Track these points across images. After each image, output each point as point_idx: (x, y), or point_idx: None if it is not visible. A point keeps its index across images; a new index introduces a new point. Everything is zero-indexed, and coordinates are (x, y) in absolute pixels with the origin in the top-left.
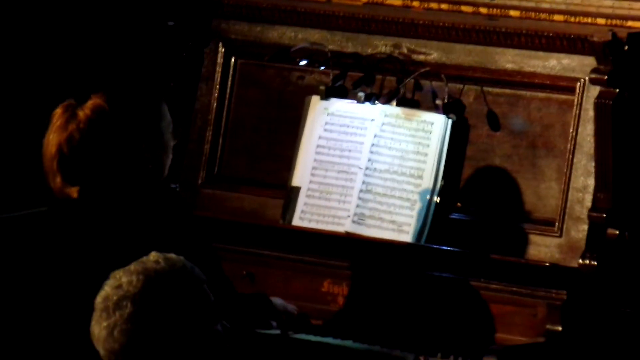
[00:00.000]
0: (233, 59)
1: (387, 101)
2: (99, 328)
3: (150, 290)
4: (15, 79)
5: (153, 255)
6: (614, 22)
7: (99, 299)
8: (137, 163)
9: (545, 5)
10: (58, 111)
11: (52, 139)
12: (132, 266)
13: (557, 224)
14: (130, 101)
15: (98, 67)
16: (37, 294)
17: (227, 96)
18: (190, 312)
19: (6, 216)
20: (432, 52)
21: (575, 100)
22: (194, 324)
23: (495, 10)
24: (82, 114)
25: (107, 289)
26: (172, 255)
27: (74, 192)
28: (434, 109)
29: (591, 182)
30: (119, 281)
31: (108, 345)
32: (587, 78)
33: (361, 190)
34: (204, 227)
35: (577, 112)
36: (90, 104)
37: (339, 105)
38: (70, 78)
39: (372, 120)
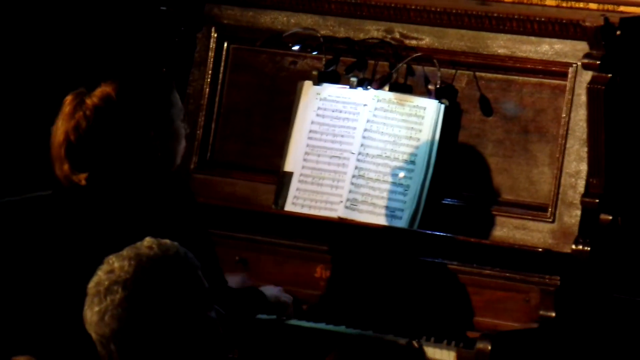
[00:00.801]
0: (225, 44)
1: (379, 86)
2: (90, 312)
3: (141, 276)
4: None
5: (147, 241)
6: (606, 7)
7: (91, 284)
8: (146, 151)
9: None
10: (68, 98)
11: (60, 126)
12: (125, 251)
13: (549, 209)
14: (139, 89)
15: (92, 55)
16: (40, 279)
17: (220, 81)
18: (183, 298)
19: (10, 199)
20: (425, 37)
21: (568, 85)
22: (187, 310)
23: None
24: (89, 102)
25: (100, 273)
26: (166, 241)
27: (82, 179)
28: (427, 94)
29: (584, 167)
30: (112, 266)
31: (99, 330)
32: (579, 63)
33: (354, 176)
34: (203, 215)
35: (570, 97)
36: (98, 92)
37: (331, 90)
38: (68, 67)
39: (364, 105)
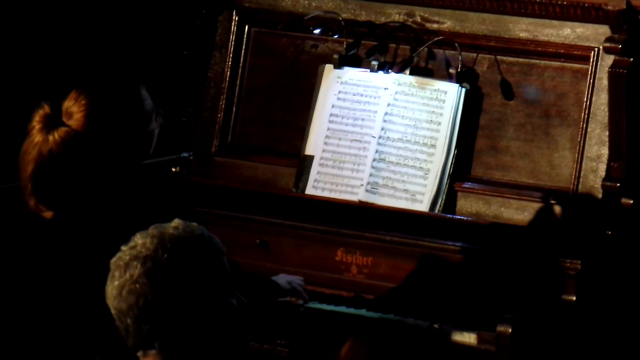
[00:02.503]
0: (247, 27)
1: (400, 70)
2: (111, 286)
3: (161, 253)
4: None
5: (175, 222)
6: None
7: (113, 259)
8: (115, 175)
9: None
10: (35, 126)
11: (26, 162)
12: (151, 229)
13: (571, 193)
14: (111, 114)
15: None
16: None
17: (241, 64)
18: (202, 280)
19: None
20: (446, 21)
21: (590, 69)
22: (205, 293)
23: None
24: (52, 141)
25: (123, 248)
26: (193, 224)
27: (47, 216)
28: (448, 77)
29: (605, 151)
30: (135, 242)
31: (117, 304)
32: (601, 47)
33: (374, 159)
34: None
35: (591, 81)
36: (62, 131)
37: (352, 74)
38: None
39: (385, 89)
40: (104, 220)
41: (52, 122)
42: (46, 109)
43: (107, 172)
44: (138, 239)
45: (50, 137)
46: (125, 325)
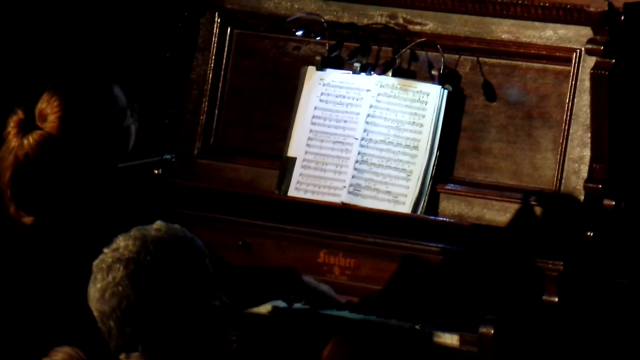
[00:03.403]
0: (229, 29)
1: (382, 72)
2: (93, 289)
3: (144, 255)
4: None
5: (157, 224)
6: None
7: (96, 262)
8: (96, 170)
9: None
10: (10, 132)
11: (4, 168)
12: (133, 231)
13: (553, 194)
14: (84, 114)
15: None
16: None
17: (223, 66)
18: (185, 282)
19: None
20: (428, 23)
21: (572, 70)
22: (188, 295)
23: None
24: (27, 145)
25: (105, 250)
26: (175, 226)
27: (28, 222)
28: (430, 79)
29: (587, 153)
30: (117, 245)
31: (100, 307)
32: (583, 48)
33: (357, 161)
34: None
35: (573, 82)
36: (37, 134)
37: (334, 75)
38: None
39: (367, 90)
40: (85, 223)
41: (27, 126)
42: (20, 114)
43: (85, 173)
44: (120, 241)
45: (25, 141)
46: (108, 327)
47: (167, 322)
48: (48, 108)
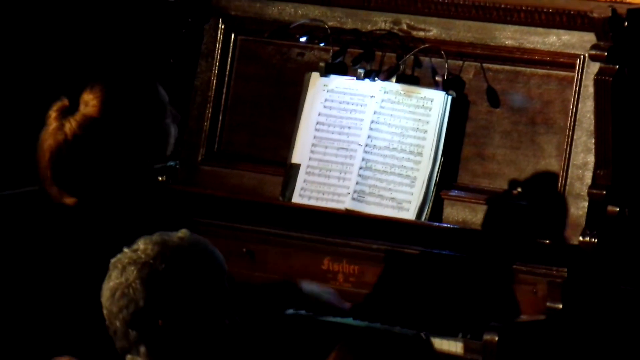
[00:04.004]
0: (233, 36)
1: (386, 78)
2: (106, 286)
3: (160, 262)
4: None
5: (182, 232)
6: None
7: (114, 259)
8: (135, 163)
9: None
10: (51, 115)
11: (44, 149)
12: (155, 235)
13: (557, 200)
14: (124, 100)
15: (96, 45)
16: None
17: (227, 73)
18: (197, 296)
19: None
20: (432, 29)
21: (575, 76)
22: (198, 309)
23: None
24: (68, 127)
25: (125, 250)
26: (201, 238)
27: (71, 203)
28: (434, 85)
29: (591, 159)
30: (137, 246)
31: (109, 306)
32: (586, 54)
33: (361, 168)
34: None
35: (577, 88)
36: (78, 115)
37: (338, 82)
38: (72, 60)
39: (371, 97)
40: (118, 213)
41: (69, 112)
42: (64, 101)
43: (122, 162)
44: (141, 244)
45: (67, 124)
46: (115, 327)
47: (173, 331)
48: (90, 95)
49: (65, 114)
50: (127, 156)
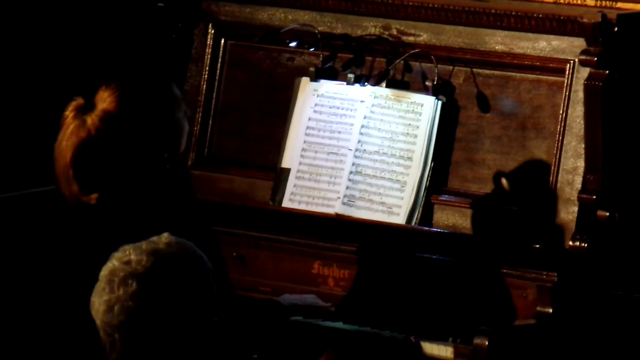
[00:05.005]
0: (223, 40)
1: (376, 82)
2: (99, 301)
3: (158, 272)
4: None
5: (165, 237)
6: (603, 3)
7: (105, 272)
8: (153, 156)
9: None
10: (69, 115)
11: (65, 147)
12: (144, 245)
13: (547, 205)
14: (139, 93)
15: (87, 52)
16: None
17: (217, 78)
18: (193, 300)
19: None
20: (422, 34)
21: (565, 81)
22: (194, 312)
23: None
24: (90, 122)
25: (115, 262)
26: (184, 241)
27: (92, 199)
28: (424, 90)
29: (581, 163)
30: (128, 257)
31: (106, 319)
32: (576, 59)
33: (351, 172)
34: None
35: (567, 93)
36: (99, 111)
37: (328, 86)
38: (63, 65)
39: (361, 101)
40: (132, 208)
41: (85, 110)
42: (79, 100)
43: (141, 156)
44: (132, 254)
45: (88, 119)
46: (112, 339)
47: (171, 335)
48: (106, 92)
49: (82, 112)
50: (145, 150)
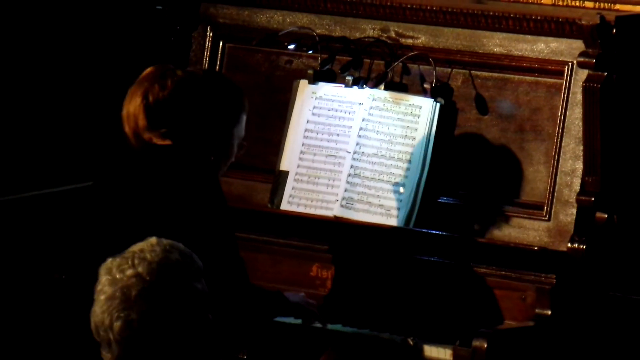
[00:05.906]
0: (221, 43)
1: (375, 85)
2: (100, 310)
3: (157, 278)
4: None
5: (155, 240)
6: (602, 5)
7: (104, 277)
8: (205, 147)
9: None
10: (151, 68)
11: (138, 88)
12: (138, 249)
13: (545, 207)
14: (224, 89)
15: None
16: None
17: None
18: (191, 301)
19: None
20: (420, 36)
21: (564, 83)
22: (192, 314)
23: None
24: (170, 81)
25: (113, 271)
26: (173, 242)
27: (156, 136)
28: (422, 92)
29: (579, 165)
30: (127, 264)
31: (104, 321)
32: (575, 61)
33: (349, 175)
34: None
35: (566, 95)
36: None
37: (327, 89)
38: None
39: (360, 104)
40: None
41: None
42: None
43: (205, 118)
44: (138, 266)
45: (178, 71)
46: (107, 340)
47: (165, 335)
48: (166, 80)
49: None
50: (211, 116)
